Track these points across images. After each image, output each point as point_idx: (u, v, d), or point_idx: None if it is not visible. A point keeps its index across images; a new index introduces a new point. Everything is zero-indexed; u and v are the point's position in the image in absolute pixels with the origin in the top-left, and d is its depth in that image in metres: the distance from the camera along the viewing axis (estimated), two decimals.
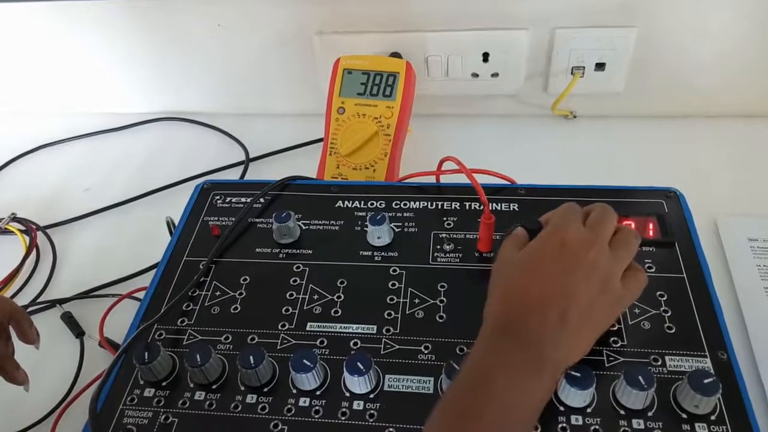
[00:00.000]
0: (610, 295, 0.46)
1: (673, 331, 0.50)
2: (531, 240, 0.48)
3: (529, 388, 0.41)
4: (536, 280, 0.45)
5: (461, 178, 0.61)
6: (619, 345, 0.50)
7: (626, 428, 0.45)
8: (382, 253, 0.59)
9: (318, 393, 0.49)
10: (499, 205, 0.62)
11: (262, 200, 0.65)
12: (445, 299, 0.54)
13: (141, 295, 0.60)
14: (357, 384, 0.48)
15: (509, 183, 0.65)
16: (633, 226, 0.58)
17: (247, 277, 0.58)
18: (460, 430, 0.39)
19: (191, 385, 0.51)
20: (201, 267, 0.59)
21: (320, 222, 0.63)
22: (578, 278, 0.44)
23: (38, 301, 0.70)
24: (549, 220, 0.49)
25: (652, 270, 0.55)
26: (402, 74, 0.74)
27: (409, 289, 0.56)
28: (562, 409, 0.46)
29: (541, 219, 0.51)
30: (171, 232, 0.64)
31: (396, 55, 0.79)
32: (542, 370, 0.42)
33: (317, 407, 0.48)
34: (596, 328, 0.46)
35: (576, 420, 0.46)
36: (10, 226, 0.77)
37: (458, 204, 0.63)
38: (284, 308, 0.55)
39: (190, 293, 0.57)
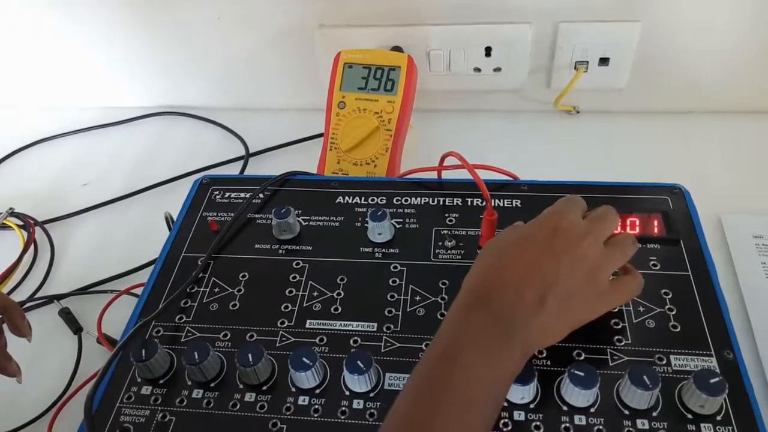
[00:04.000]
0: (595, 290, 0.45)
1: (678, 329, 0.50)
2: None
3: (498, 362, 0.41)
4: (521, 259, 0.45)
5: (463, 174, 0.61)
6: (623, 344, 0.49)
7: (630, 428, 0.44)
8: (383, 250, 0.58)
9: (317, 391, 0.48)
10: (502, 201, 0.61)
11: (261, 195, 0.65)
12: (446, 296, 0.54)
13: (139, 291, 0.60)
14: (357, 382, 0.47)
15: (512, 179, 0.64)
16: (638, 222, 0.57)
17: (246, 274, 0.58)
18: (428, 399, 0.39)
19: (189, 383, 0.50)
20: (199, 263, 0.58)
21: (320, 218, 0.62)
22: (563, 265, 0.44)
23: (36, 296, 0.69)
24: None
25: (657, 267, 0.54)
26: (403, 68, 0.73)
27: (410, 286, 0.55)
28: (565, 408, 0.46)
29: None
30: (170, 228, 0.63)
31: (397, 49, 0.78)
32: (512, 345, 0.41)
33: (316, 406, 0.48)
34: (574, 318, 0.45)
35: (579, 420, 0.45)
36: (7, 221, 0.77)
37: (460, 200, 0.62)
38: (283, 305, 0.55)
39: (188, 290, 0.57)
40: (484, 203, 0.60)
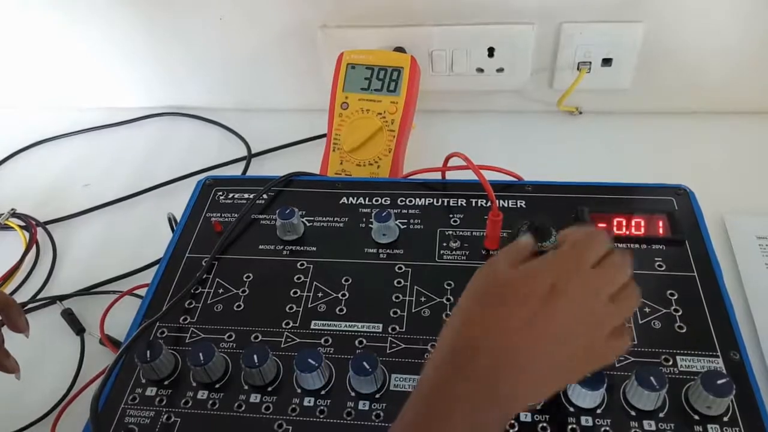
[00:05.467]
0: (599, 353, 0.40)
1: (684, 330, 0.50)
2: (537, 241, 0.43)
3: (479, 420, 0.37)
4: (502, 318, 0.39)
5: (467, 175, 0.60)
6: (629, 345, 0.49)
7: (637, 429, 0.44)
8: (388, 251, 0.58)
9: (323, 393, 0.48)
10: (506, 202, 0.61)
11: (265, 196, 0.64)
12: (452, 297, 0.54)
13: (142, 292, 0.59)
14: (363, 383, 0.47)
15: (516, 179, 0.64)
16: (642, 223, 0.57)
17: (251, 275, 0.58)
18: None
19: (194, 384, 0.50)
20: (203, 264, 0.58)
21: (324, 219, 0.62)
22: (553, 335, 0.38)
23: (38, 297, 0.69)
24: (562, 241, 0.42)
25: (663, 268, 0.54)
26: (406, 69, 0.73)
27: (415, 287, 0.55)
28: (572, 410, 0.46)
29: (559, 233, 0.43)
30: (173, 229, 0.63)
31: (400, 49, 0.78)
32: (493, 406, 0.37)
33: (322, 407, 0.48)
34: (560, 381, 0.41)
35: (586, 421, 0.45)
36: (9, 221, 0.76)
37: (464, 201, 0.62)
38: (288, 306, 0.55)
39: (192, 291, 0.56)
40: (488, 204, 0.60)
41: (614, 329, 0.40)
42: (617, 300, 0.41)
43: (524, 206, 0.61)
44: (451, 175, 0.65)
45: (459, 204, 0.62)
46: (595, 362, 0.41)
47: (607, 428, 0.44)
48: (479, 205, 0.61)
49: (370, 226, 0.60)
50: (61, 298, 0.68)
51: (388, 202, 0.63)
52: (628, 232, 0.57)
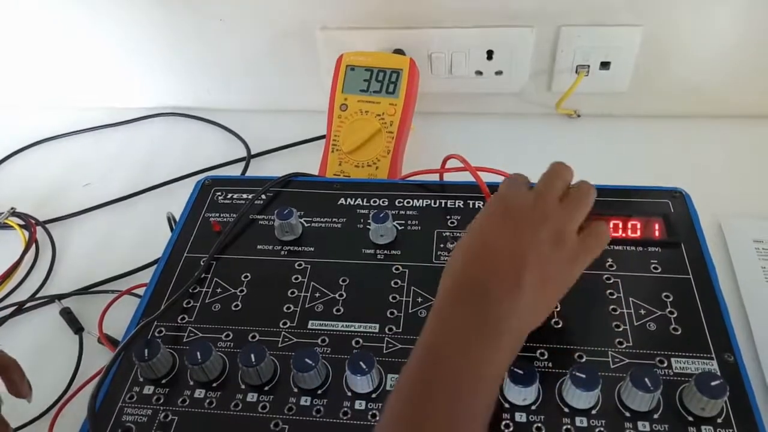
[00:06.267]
0: (565, 252, 0.44)
1: (679, 332, 0.50)
2: None
3: (484, 356, 0.40)
4: (485, 251, 0.44)
5: (465, 176, 0.61)
6: (624, 346, 0.49)
7: (631, 430, 0.44)
8: (385, 251, 0.58)
9: (319, 392, 0.49)
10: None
11: (263, 197, 0.65)
12: None
13: (141, 291, 0.60)
14: (359, 383, 0.48)
15: None
16: (639, 226, 0.57)
17: (249, 275, 0.58)
18: (416, 399, 0.39)
19: (191, 383, 0.50)
20: (202, 264, 0.58)
21: (322, 219, 0.62)
22: (525, 239, 0.44)
23: (37, 296, 0.69)
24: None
25: (658, 270, 0.54)
26: (405, 71, 0.73)
27: (412, 287, 0.55)
28: (566, 410, 0.46)
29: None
30: (172, 228, 0.63)
31: (399, 51, 0.79)
32: (498, 337, 0.41)
33: (318, 406, 0.48)
34: (555, 287, 0.45)
35: (581, 422, 0.45)
36: (9, 220, 0.77)
37: (462, 202, 0.62)
38: (286, 306, 0.55)
39: (190, 290, 0.57)
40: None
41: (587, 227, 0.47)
42: (566, 201, 0.47)
43: None
44: (448, 177, 0.65)
45: (456, 205, 0.62)
46: (578, 263, 0.46)
47: (602, 429, 0.45)
48: (476, 206, 0.62)
49: (367, 227, 0.60)
50: (60, 297, 0.68)
51: (386, 203, 0.63)
52: (624, 235, 0.57)
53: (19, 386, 0.51)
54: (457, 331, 0.41)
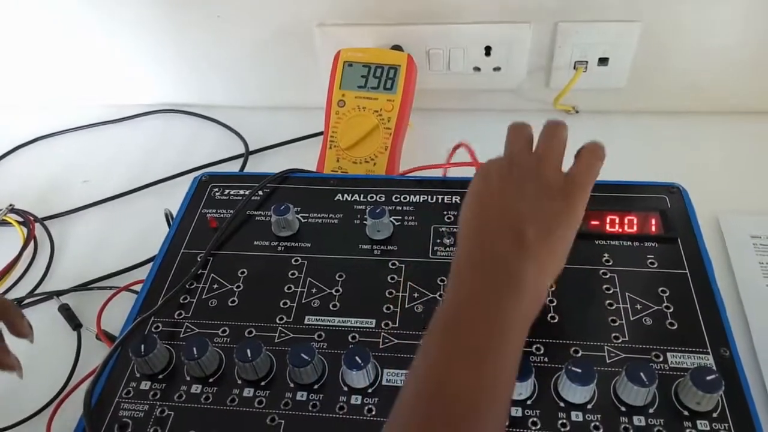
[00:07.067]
0: (557, 193, 0.45)
1: (675, 327, 0.50)
2: None
3: (504, 314, 0.41)
4: (484, 213, 0.46)
5: (463, 171, 0.61)
6: (620, 341, 0.49)
7: (627, 425, 0.45)
8: (382, 247, 0.58)
9: (316, 387, 0.49)
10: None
11: (260, 192, 0.65)
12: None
13: (139, 287, 0.60)
14: (355, 378, 0.48)
15: None
16: (635, 221, 0.57)
17: (245, 270, 0.58)
18: (445, 357, 0.39)
19: (188, 379, 0.50)
20: (199, 259, 0.59)
21: (319, 215, 0.62)
22: (510, 197, 0.45)
23: (35, 293, 0.69)
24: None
25: (655, 266, 0.54)
26: (403, 67, 0.73)
27: (409, 283, 0.55)
28: (562, 405, 0.46)
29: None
30: (169, 225, 0.64)
31: (397, 48, 0.79)
32: (515, 292, 0.41)
33: (315, 401, 0.48)
34: (559, 230, 0.45)
35: (576, 416, 0.45)
36: (7, 217, 0.77)
37: (459, 198, 0.62)
38: (282, 301, 0.55)
39: (187, 286, 0.57)
40: None
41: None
42: (538, 147, 0.48)
43: None
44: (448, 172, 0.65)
45: (453, 201, 0.62)
46: (575, 199, 0.46)
47: (597, 423, 0.45)
48: None
49: (364, 222, 0.60)
50: (59, 293, 0.68)
51: (383, 198, 0.63)
52: (621, 230, 0.57)
53: (19, 326, 0.51)
54: (478, 297, 0.41)
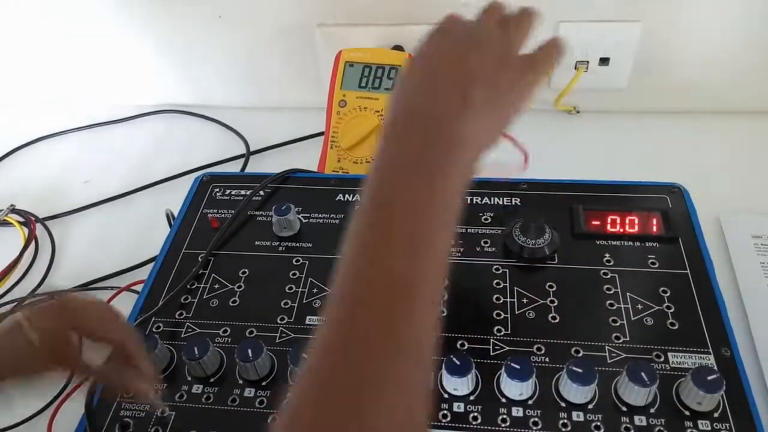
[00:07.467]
0: (513, 68, 0.43)
1: (676, 327, 0.50)
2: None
3: (438, 176, 0.37)
4: (428, 74, 0.42)
5: None
6: (621, 341, 0.49)
7: (628, 425, 0.45)
8: None
9: None
10: (501, 199, 0.61)
11: (261, 193, 0.65)
12: (444, 294, 0.54)
13: (140, 288, 0.60)
14: None
15: (515, 178, 0.64)
16: (636, 221, 0.57)
17: (246, 270, 0.58)
18: (370, 247, 0.36)
19: (189, 378, 0.50)
20: (200, 259, 0.59)
21: (320, 215, 0.62)
22: (469, 59, 0.41)
23: (36, 293, 0.69)
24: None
25: (656, 266, 0.54)
26: None
27: None
28: (563, 405, 0.46)
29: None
30: (170, 225, 0.64)
31: (398, 48, 0.78)
32: (454, 149, 0.38)
33: None
34: (505, 106, 0.43)
35: (577, 416, 0.45)
36: (8, 217, 0.77)
37: None
38: (283, 302, 0.55)
39: (188, 286, 0.57)
40: (482, 201, 0.61)
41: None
42: (506, 22, 0.45)
43: (519, 204, 0.61)
44: None
45: None
46: (527, 78, 0.44)
47: (598, 423, 0.45)
48: (474, 202, 0.62)
49: None
50: (60, 293, 0.68)
51: None
52: (622, 230, 0.57)
53: (141, 363, 0.45)
54: (407, 155, 0.38)
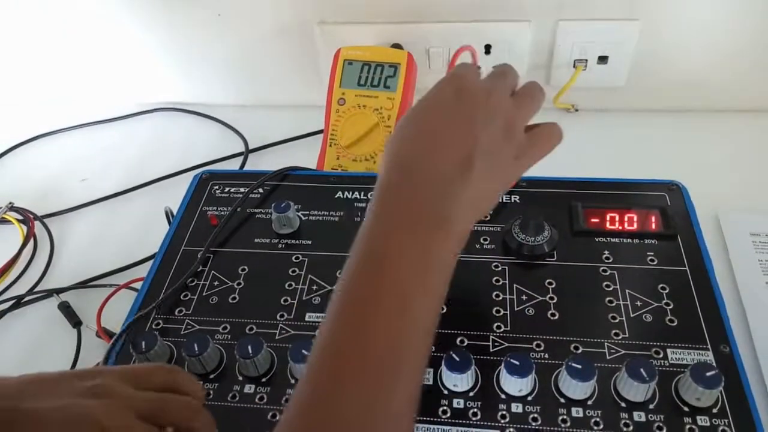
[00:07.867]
0: (515, 145, 0.43)
1: (675, 324, 0.50)
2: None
3: (432, 243, 0.38)
4: (432, 128, 0.42)
5: None
6: (620, 337, 0.49)
7: (627, 421, 0.45)
8: None
9: None
10: (500, 197, 0.61)
11: (261, 190, 0.65)
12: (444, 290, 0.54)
13: (139, 285, 0.60)
14: None
15: None
16: (635, 218, 0.57)
17: (246, 267, 0.58)
18: (363, 302, 0.37)
19: None
20: (199, 257, 0.59)
21: (320, 212, 0.62)
22: (478, 123, 0.41)
23: (35, 290, 0.69)
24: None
25: (654, 263, 0.55)
26: (403, 66, 0.73)
27: None
28: (562, 401, 0.46)
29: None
30: (169, 222, 0.64)
31: (397, 46, 0.79)
32: (444, 222, 0.38)
33: None
34: (500, 180, 0.43)
35: (577, 412, 0.45)
36: (7, 215, 0.77)
37: None
38: (283, 299, 0.55)
39: (188, 283, 0.57)
40: None
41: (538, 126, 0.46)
42: (517, 96, 0.46)
43: (518, 201, 0.61)
44: None
45: None
46: (527, 157, 0.45)
47: (598, 419, 0.45)
48: None
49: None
50: (58, 291, 0.68)
51: None
52: (621, 227, 0.57)
53: (193, 388, 0.45)
54: (402, 215, 0.38)
